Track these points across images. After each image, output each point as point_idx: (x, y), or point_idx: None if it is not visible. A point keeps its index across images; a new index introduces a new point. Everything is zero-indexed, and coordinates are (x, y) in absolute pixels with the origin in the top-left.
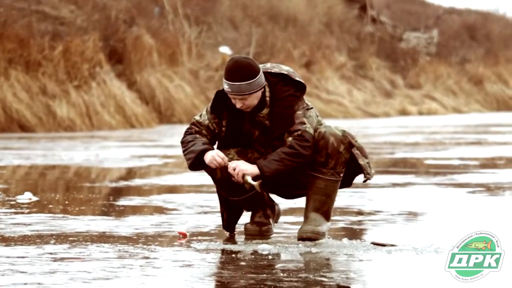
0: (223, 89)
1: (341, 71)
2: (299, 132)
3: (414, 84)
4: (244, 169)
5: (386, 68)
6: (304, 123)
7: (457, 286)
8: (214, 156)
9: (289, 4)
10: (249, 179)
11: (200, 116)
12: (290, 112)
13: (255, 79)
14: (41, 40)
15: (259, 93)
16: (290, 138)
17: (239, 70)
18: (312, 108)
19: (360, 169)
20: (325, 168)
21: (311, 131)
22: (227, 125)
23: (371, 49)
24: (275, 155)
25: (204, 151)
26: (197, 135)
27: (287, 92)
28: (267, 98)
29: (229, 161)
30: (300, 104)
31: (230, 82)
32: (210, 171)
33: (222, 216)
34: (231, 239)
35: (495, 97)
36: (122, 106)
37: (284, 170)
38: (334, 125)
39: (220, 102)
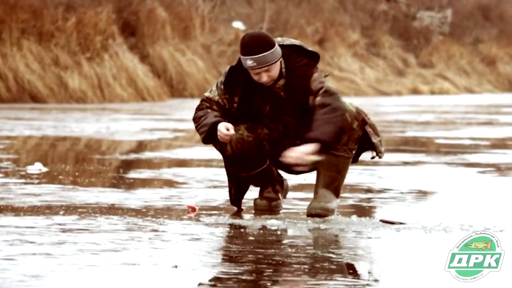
0: (235, 65)
1: (354, 49)
2: (323, 89)
3: (427, 63)
4: (306, 152)
5: (399, 47)
6: (323, 82)
7: (457, 286)
8: (219, 129)
9: None
10: (314, 157)
11: (210, 92)
12: (306, 81)
13: (275, 48)
14: (54, 11)
15: (279, 64)
16: (318, 98)
17: (259, 42)
18: (328, 75)
19: (369, 146)
20: (337, 144)
21: (333, 86)
22: (239, 101)
23: (384, 27)
24: (317, 122)
25: (216, 123)
26: (208, 110)
27: (301, 62)
28: (283, 70)
29: (240, 137)
30: (315, 70)
31: (253, 56)
32: (220, 147)
33: (230, 191)
34: (239, 214)
35: (508, 78)
36: (134, 79)
37: (336, 128)
38: (348, 102)
39: (233, 78)
